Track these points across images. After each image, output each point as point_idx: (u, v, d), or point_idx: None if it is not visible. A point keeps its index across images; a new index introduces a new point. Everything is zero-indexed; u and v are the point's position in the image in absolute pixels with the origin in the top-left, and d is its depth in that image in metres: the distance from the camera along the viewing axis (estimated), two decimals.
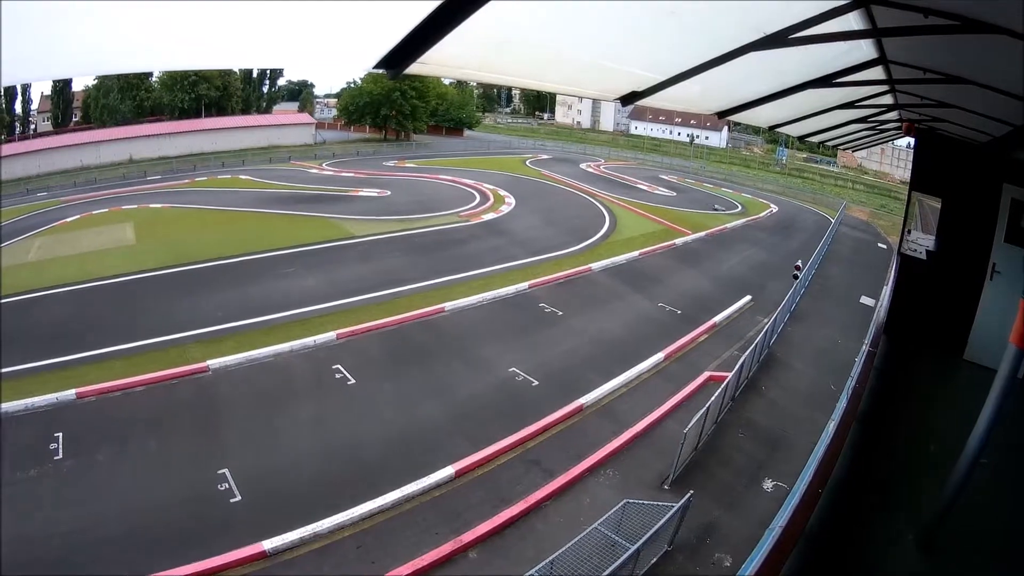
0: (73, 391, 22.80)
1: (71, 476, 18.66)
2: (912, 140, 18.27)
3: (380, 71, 5.22)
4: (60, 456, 19.56)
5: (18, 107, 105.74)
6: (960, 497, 8.18)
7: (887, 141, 36.61)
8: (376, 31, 4.59)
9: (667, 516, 16.20)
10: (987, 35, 5.22)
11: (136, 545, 16.24)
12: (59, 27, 3.13)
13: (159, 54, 4.40)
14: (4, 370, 23.94)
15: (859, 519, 9.26)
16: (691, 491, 17.51)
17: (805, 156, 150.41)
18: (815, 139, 20.05)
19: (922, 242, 19.35)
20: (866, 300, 41.44)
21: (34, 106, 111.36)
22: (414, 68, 5.19)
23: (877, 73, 8.78)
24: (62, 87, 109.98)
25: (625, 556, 14.63)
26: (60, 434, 20.55)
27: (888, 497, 9.92)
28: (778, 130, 16.47)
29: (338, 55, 5.29)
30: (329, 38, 4.68)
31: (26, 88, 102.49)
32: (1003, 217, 14.89)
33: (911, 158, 18.50)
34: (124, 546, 16.18)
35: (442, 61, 5.34)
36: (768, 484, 20.87)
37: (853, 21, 6.41)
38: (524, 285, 37.53)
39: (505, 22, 4.90)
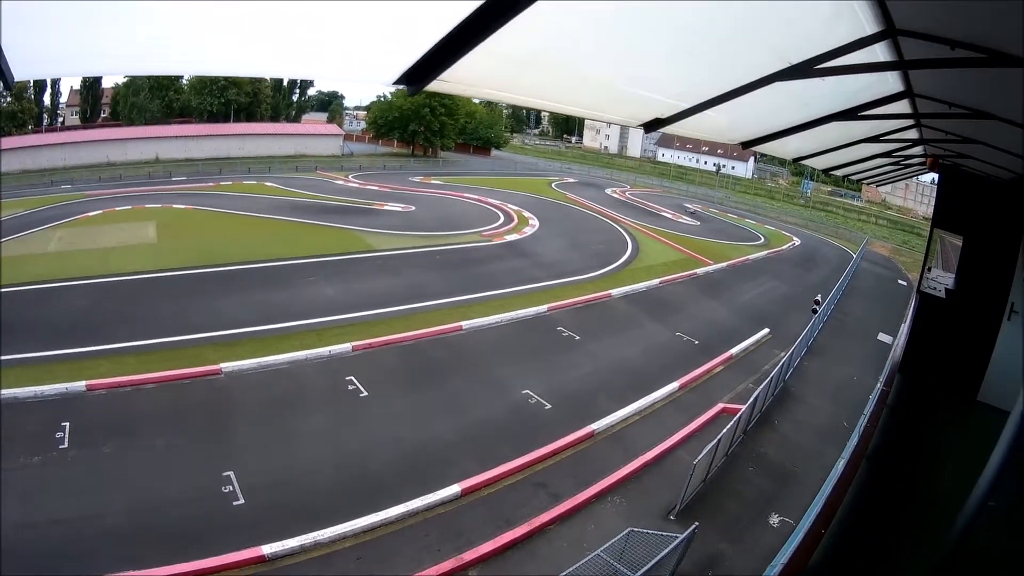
0: (83, 383, 22.91)
1: (75, 466, 18.76)
2: (936, 176, 18.15)
3: (401, 87, 5.16)
4: (65, 445, 19.67)
5: (47, 99, 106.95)
6: (967, 540, 8.04)
7: (911, 176, 36.47)
8: (398, 46, 4.55)
9: (670, 547, 16.04)
10: (1015, 68, 5.13)
11: (135, 539, 16.28)
12: (94, 26, 3.14)
13: (186, 59, 4.40)
14: (17, 356, 24.15)
15: (863, 560, 9.12)
16: (696, 523, 17.36)
17: (830, 190, 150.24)
18: (840, 172, 19.92)
19: (942, 280, 19.19)
20: (884, 337, 41.20)
21: (63, 99, 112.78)
22: (435, 85, 5.15)
23: (903, 107, 8.69)
24: (92, 83, 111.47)
25: None
26: (67, 424, 20.65)
27: (894, 538, 9.78)
28: (803, 162, 16.38)
29: (360, 69, 5.25)
30: (352, 52, 4.65)
31: (56, 81, 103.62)
32: (1023, 256, 14.76)
33: (934, 194, 18.39)
34: (123, 539, 16.24)
35: (463, 79, 5.29)
36: (775, 519, 20.67)
37: (879, 52, 6.33)
38: (543, 308, 37.48)
39: (529, 43, 4.84)
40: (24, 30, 2.92)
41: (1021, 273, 14.78)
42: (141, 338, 27.07)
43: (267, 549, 16.40)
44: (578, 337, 34.06)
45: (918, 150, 14.71)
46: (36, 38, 3.07)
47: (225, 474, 19.26)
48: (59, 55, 3.31)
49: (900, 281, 63.82)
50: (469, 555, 17.01)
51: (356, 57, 4.82)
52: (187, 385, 24.16)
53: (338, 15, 3.70)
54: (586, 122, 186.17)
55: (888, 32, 5.64)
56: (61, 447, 19.54)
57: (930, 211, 68.27)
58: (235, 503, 18.24)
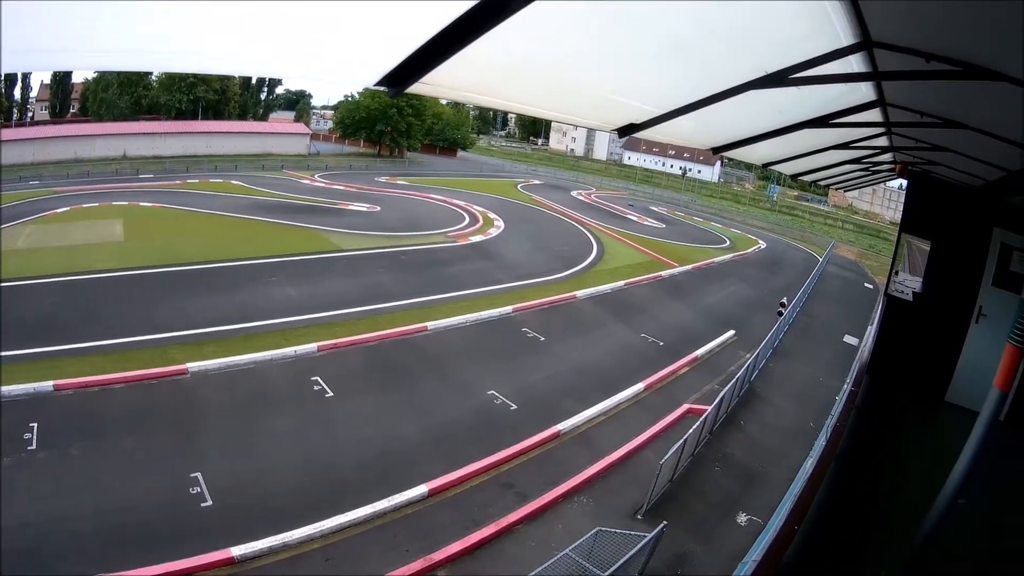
0: (51, 383, 22.60)
1: (44, 468, 18.49)
2: (904, 182, 18.36)
3: (382, 88, 5.19)
4: (34, 447, 19.39)
5: (17, 93, 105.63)
6: (936, 538, 8.19)
7: (879, 182, 36.87)
8: (382, 48, 4.56)
9: (639, 546, 16.15)
10: (987, 81, 5.25)
11: (104, 542, 16.08)
12: (65, 20, 3.11)
13: (161, 55, 4.35)
14: None
15: (834, 557, 9.25)
16: (664, 522, 17.48)
17: (796, 194, 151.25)
18: (808, 178, 20.16)
19: (909, 283, 19.43)
20: (850, 339, 41.74)
21: (33, 94, 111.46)
22: (416, 88, 5.17)
23: (875, 115, 8.82)
24: (62, 78, 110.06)
25: None
26: (35, 424, 20.36)
27: (864, 536, 9.92)
28: (772, 167, 16.53)
29: (343, 69, 5.27)
30: (335, 52, 4.67)
31: (26, 76, 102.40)
32: (992, 261, 15.02)
33: (902, 199, 18.61)
34: (92, 542, 16.03)
35: (445, 83, 5.33)
36: (742, 518, 20.86)
37: (855, 63, 6.43)
38: (508, 309, 37.55)
39: (511, 49, 4.89)
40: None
41: (989, 278, 15.03)
42: (108, 337, 26.79)
43: (236, 551, 16.32)
44: (543, 338, 34.18)
45: (887, 157, 14.89)
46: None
47: (193, 475, 19.12)
48: (28, 47, 3.28)
49: (866, 284, 64.67)
50: (438, 555, 17.01)
51: (339, 58, 4.84)
52: (154, 385, 23.95)
53: (323, 15, 3.72)
54: (553, 124, 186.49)
55: (864, 44, 5.74)
56: (29, 448, 19.27)
57: (897, 216, 68.99)
58: (203, 504, 18.11)
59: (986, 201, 14.55)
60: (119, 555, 15.61)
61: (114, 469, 18.91)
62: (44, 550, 15.59)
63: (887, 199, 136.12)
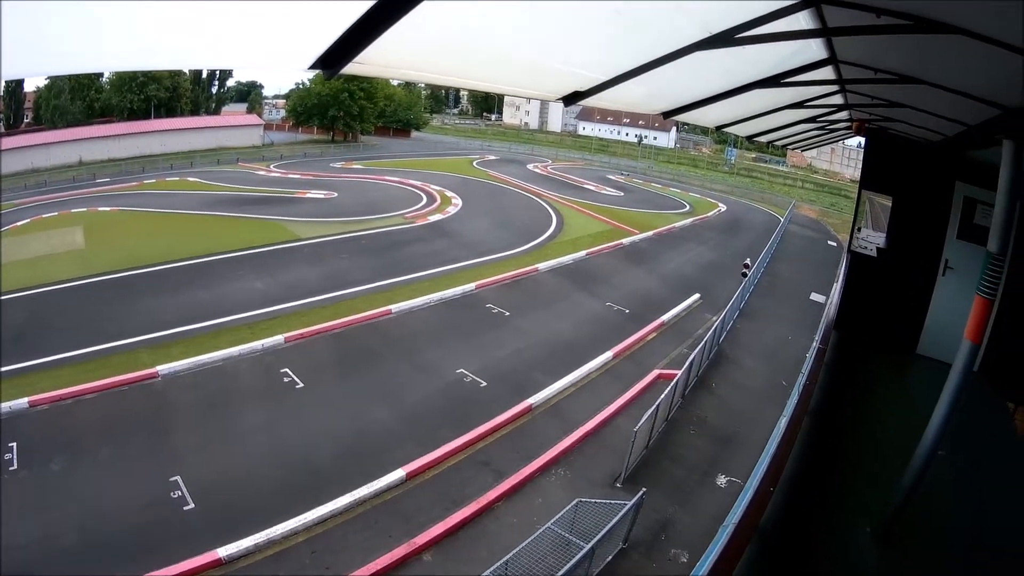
0: (26, 400, 22.23)
1: (27, 487, 18.20)
2: (862, 139, 18.42)
3: (317, 71, 5.11)
4: (15, 467, 19.08)
5: None
6: (918, 489, 8.27)
7: (837, 140, 37.03)
8: (311, 31, 4.49)
9: (620, 514, 16.26)
10: (940, 35, 5.24)
11: (93, 556, 15.91)
12: None
13: (82, 55, 4.22)
14: None
15: (816, 512, 9.33)
16: (643, 489, 17.63)
17: (754, 156, 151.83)
18: (764, 139, 20.18)
19: (872, 240, 19.55)
20: (816, 297, 42.06)
21: None
22: (351, 68, 5.09)
23: (827, 73, 8.82)
24: (14, 87, 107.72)
25: (580, 555, 14.67)
26: (14, 444, 20.04)
27: (844, 490, 10.00)
28: (726, 130, 16.54)
29: (273, 55, 5.16)
30: (263, 37, 4.57)
31: None
32: (956, 214, 15.15)
33: (861, 157, 18.65)
34: (81, 557, 15.86)
35: (379, 61, 5.25)
36: (722, 480, 21.04)
37: (803, 21, 6.41)
38: (471, 286, 37.52)
39: (442, 22, 4.83)
40: None
41: (953, 231, 15.17)
42: (78, 347, 26.38)
43: (223, 551, 16.23)
44: (508, 313, 34.26)
45: (843, 115, 14.94)
46: None
47: (172, 479, 18.96)
48: None
49: (830, 242, 65.23)
50: (421, 539, 17.04)
51: (268, 43, 4.75)
52: (126, 392, 23.67)
53: (248, 2, 3.65)
54: (506, 99, 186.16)
55: (812, 0, 5.72)
56: (11, 469, 18.98)
57: (857, 174, 69.50)
58: (185, 508, 17.98)
59: (946, 156, 14.63)
60: (108, 568, 15.49)
61: (95, 481, 18.70)
62: (37, 571, 15.42)
63: (846, 157, 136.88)
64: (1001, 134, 7.63)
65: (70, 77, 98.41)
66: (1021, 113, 6.77)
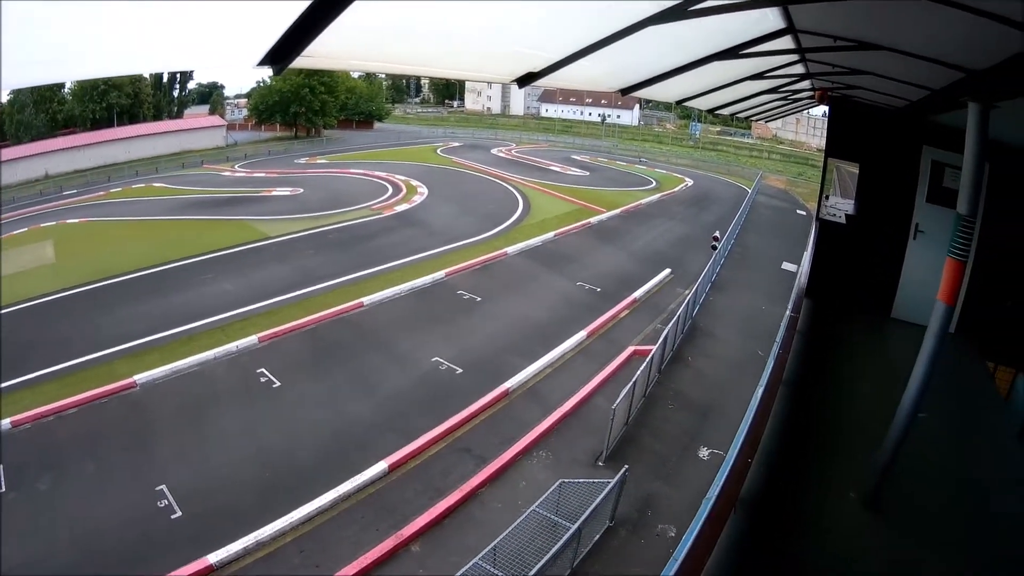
0: (7, 420, 22.00)
1: (16, 510, 17.99)
2: (826, 108, 18.48)
3: (266, 67, 5.05)
4: (3, 489, 18.90)
5: None
6: (900, 452, 8.33)
7: (801, 110, 37.18)
8: (256, 28, 4.41)
9: (604, 492, 16.33)
10: (899, 0, 5.24)
11: (88, 572, 15.86)
12: None
13: (24, 64, 4.08)
14: None
15: (799, 480, 9.38)
16: (626, 466, 17.77)
17: (719, 129, 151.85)
18: (727, 111, 20.20)
19: (841, 207, 19.66)
20: (788, 266, 42.31)
21: None
22: (300, 62, 5.02)
23: (786, 43, 8.81)
24: None
25: (567, 536, 14.72)
26: (1, 467, 19.86)
27: (826, 456, 10.06)
28: (688, 104, 16.56)
29: (221, 55, 5.09)
30: (209, 38, 4.51)
31: None
32: (924, 178, 15.22)
33: (826, 126, 18.69)
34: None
35: (327, 53, 5.17)
36: (704, 452, 21.21)
37: None
38: (441, 274, 37.53)
39: (388, 9, 4.79)
40: None
41: (923, 195, 15.26)
42: (55, 363, 26.11)
43: (213, 558, 16.20)
44: (479, 299, 34.36)
45: (805, 84, 14.99)
46: None
47: (158, 488, 18.90)
48: None
49: (799, 211, 65.53)
50: (407, 530, 17.08)
51: (214, 43, 4.69)
52: (106, 404, 23.50)
53: (188, 2, 3.58)
54: (467, 85, 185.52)
55: None
56: (0, 491, 18.90)
57: (822, 143, 69.90)
58: (173, 516, 17.93)
59: (912, 121, 14.70)
60: None
61: (82, 497, 18.58)
62: None
63: (811, 127, 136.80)
64: (966, 97, 7.67)
65: (32, 90, 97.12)
66: (985, 75, 6.80)
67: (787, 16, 7.48)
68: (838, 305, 16.60)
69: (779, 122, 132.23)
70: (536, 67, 7.87)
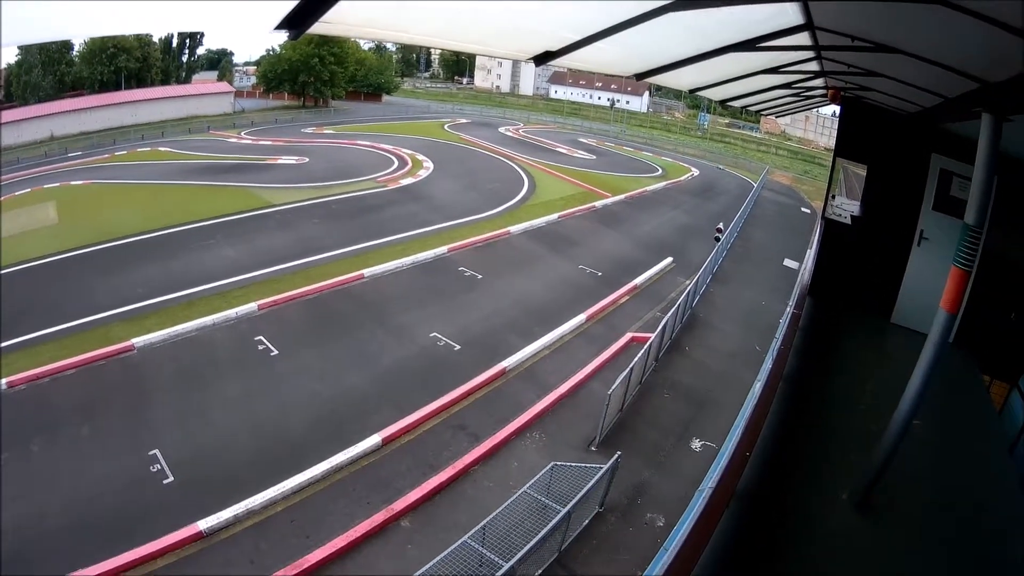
0: (3, 381, 21.99)
1: (8, 471, 17.96)
2: (837, 108, 18.42)
3: (282, 31, 5.03)
4: None
5: None
6: (893, 457, 8.37)
7: (812, 108, 37.09)
8: None
9: (596, 477, 16.37)
10: (920, 3, 5.22)
11: (75, 537, 15.86)
12: None
13: (42, 20, 4.09)
14: None
15: (792, 478, 9.42)
16: (619, 452, 17.78)
17: (728, 121, 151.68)
18: (738, 103, 20.16)
19: (847, 207, 19.63)
20: (790, 263, 42.33)
21: None
22: (318, 28, 5.03)
23: (803, 39, 8.79)
24: None
25: (557, 518, 14.77)
26: None
27: (820, 456, 10.09)
28: (700, 93, 16.53)
29: (239, 17, 5.08)
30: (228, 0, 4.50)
31: None
32: (931, 186, 15.16)
33: (835, 126, 18.59)
34: (64, 540, 15.80)
35: (347, 20, 5.18)
36: (696, 444, 21.25)
37: None
38: (443, 249, 37.54)
39: None
40: None
41: (929, 202, 15.22)
42: (54, 324, 26.08)
43: (203, 524, 16.25)
44: (480, 276, 34.35)
45: (819, 82, 14.93)
46: None
47: (151, 453, 18.93)
48: None
49: (803, 209, 65.38)
50: (399, 505, 17.16)
51: (232, 5, 4.68)
52: (103, 366, 23.51)
53: None
54: (477, 62, 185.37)
55: None
56: None
57: (831, 143, 69.41)
58: (165, 481, 17.96)
59: (923, 127, 14.64)
60: (91, 548, 15.40)
61: (76, 459, 18.60)
62: (21, 556, 15.28)
63: (820, 125, 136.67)
64: (980, 107, 7.65)
65: (40, 51, 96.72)
66: (1000, 87, 6.78)
67: (806, 12, 7.46)
68: (840, 305, 16.60)
69: (788, 119, 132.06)
70: (554, 46, 7.88)
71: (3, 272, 31.64)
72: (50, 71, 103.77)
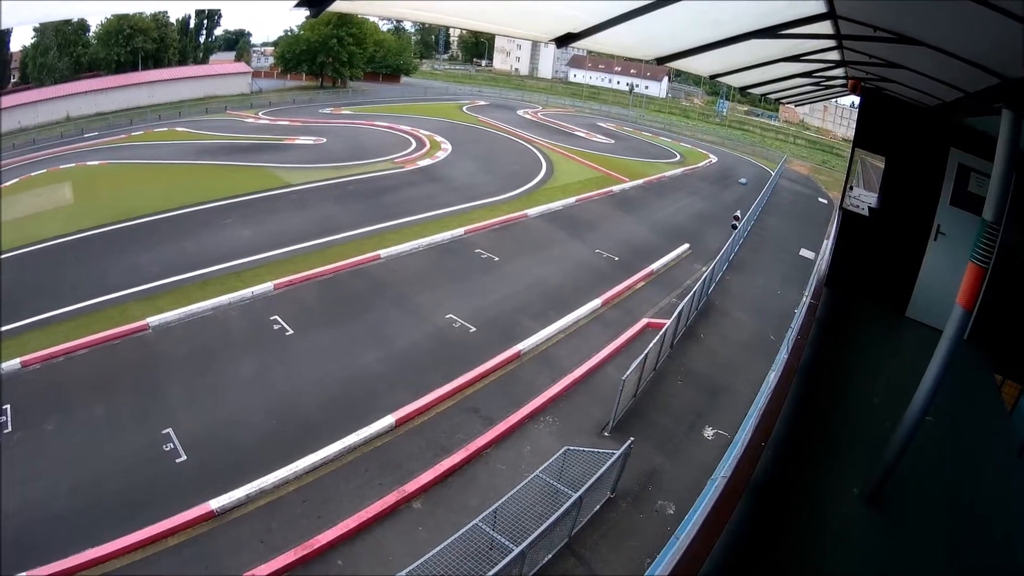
0: (18, 360, 22.07)
1: (21, 449, 18.10)
2: (856, 99, 18.29)
3: (303, 8, 5.00)
4: (10, 429, 18.96)
5: None
6: (906, 452, 8.34)
7: (831, 98, 36.86)
8: None
9: (608, 463, 16.39)
10: None
11: (88, 516, 15.94)
12: None
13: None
14: None
15: (805, 470, 9.40)
16: (631, 438, 17.76)
17: (746, 109, 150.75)
18: (757, 91, 20.06)
19: (864, 199, 19.50)
20: (806, 253, 42.16)
21: None
22: (338, 5, 4.97)
23: (825, 28, 8.73)
24: None
25: (568, 503, 14.81)
26: (8, 406, 19.87)
27: (833, 449, 10.07)
28: (720, 80, 16.45)
29: None
30: None
31: None
32: (949, 181, 15.04)
33: (854, 116, 18.46)
34: (76, 518, 15.88)
35: None
36: (709, 432, 21.22)
37: None
38: (460, 231, 37.61)
39: None
40: None
41: (947, 197, 15.12)
42: (68, 304, 26.15)
43: (215, 503, 16.34)
44: (497, 258, 34.40)
45: (839, 72, 14.82)
46: None
47: (165, 432, 19.03)
48: None
49: (820, 199, 64.84)
50: (410, 486, 17.24)
51: None
52: (117, 345, 23.64)
53: None
54: (496, 45, 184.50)
55: None
56: (6, 431, 18.85)
57: (849, 133, 68.97)
58: (178, 460, 18.07)
59: (942, 121, 14.52)
60: (103, 526, 15.50)
61: (89, 439, 18.70)
62: (30, 536, 15.33)
63: (839, 116, 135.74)
64: (1000, 103, 7.59)
65: (56, 32, 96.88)
66: (1021, 84, 6.73)
67: (829, 1, 7.42)
68: (856, 297, 16.53)
69: (807, 108, 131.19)
70: (576, 28, 7.84)
71: (17, 253, 31.74)
72: (66, 52, 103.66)
